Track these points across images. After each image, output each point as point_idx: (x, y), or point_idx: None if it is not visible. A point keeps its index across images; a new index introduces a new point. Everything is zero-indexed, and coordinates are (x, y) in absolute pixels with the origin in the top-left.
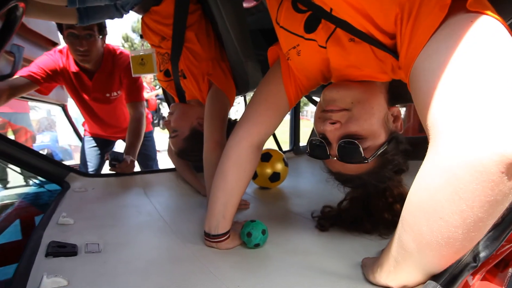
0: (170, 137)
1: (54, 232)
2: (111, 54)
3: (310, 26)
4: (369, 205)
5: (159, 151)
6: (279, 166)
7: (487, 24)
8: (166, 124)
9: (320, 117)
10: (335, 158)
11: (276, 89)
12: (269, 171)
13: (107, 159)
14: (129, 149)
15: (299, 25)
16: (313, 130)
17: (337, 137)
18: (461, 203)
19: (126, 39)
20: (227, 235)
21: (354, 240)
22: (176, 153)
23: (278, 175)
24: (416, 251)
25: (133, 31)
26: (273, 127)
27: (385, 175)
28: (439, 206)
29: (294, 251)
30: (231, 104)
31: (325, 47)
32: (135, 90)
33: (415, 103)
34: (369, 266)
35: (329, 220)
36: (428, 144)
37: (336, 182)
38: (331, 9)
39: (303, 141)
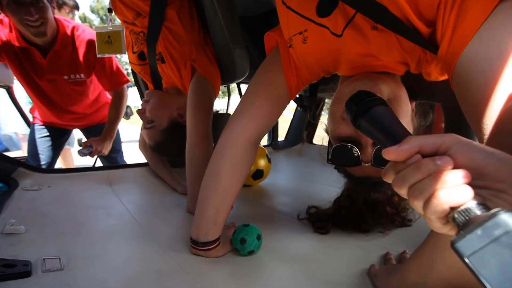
0: (144, 128)
1: None
2: (69, 29)
3: (324, 9)
4: (370, 199)
5: (122, 142)
6: (262, 163)
7: None
8: (140, 114)
9: (346, 118)
10: (369, 164)
11: (276, 79)
12: (252, 168)
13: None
14: (110, 126)
15: (311, 6)
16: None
17: (372, 141)
18: None
19: (84, 19)
20: (217, 242)
21: (353, 242)
22: (151, 146)
23: (261, 172)
24: None
25: (92, 11)
26: (272, 120)
27: None
28: None
29: (292, 258)
30: (216, 94)
31: (339, 35)
32: (115, 76)
33: (461, 98)
34: (382, 276)
35: (328, 221)
36: None
37: (356, 186)
38: None
39: (281, 136)
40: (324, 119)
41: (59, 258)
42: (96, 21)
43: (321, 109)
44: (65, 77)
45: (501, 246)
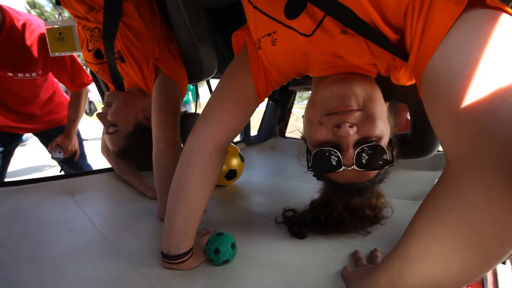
0: (107, 133)
1: None
2: (19, 23)
3: (292, 11)
4: (350, 205)
5: (86, 139)
6: (234, 162)
7: (510, 23)
8: (101, 117)
9: (325, 122)
10: (351, 167)
11: (243, 82)
12: (224, 168)
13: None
14: (71, 124)
15: (279, 7)
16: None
17: (352, 143)
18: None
19: (33, 5)
20: (190, 253)
21: (327, 243)
22: (115, 153)
23: (234, 172)
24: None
25: None
26: (240, 126)
27: (387, 173)
28: None
29: (267, 265)
30: (183, 95)
31: (309, 35)
32: (77, 77)
33: (429, 113)
34: (355, 280)
35: (305, 226)
36: None
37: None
38: None
39: (255, 127)
40: (296, 111)
41: None
42: (48, 7)
43: (293, 102)
44: (10, 74)
45: None
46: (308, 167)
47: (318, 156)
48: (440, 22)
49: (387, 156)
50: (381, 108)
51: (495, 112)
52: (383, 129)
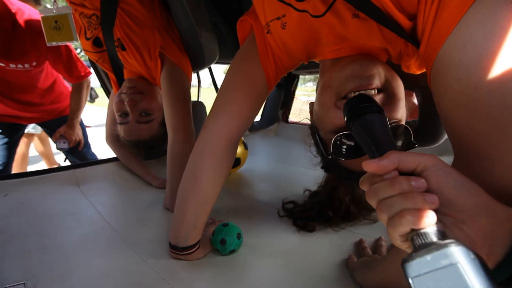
0: (137, 122)
1: None
2: (11, 11)
3: None
4: (356, 195)
5: (88, 126)
6: (239, 150)
7: None
8: (132, 105)
9: (343, 106)
10: None
11: (253, 72)
12: None
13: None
14: (73, 114)
15: None
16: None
17: None
18: None
19: None
20: (198, 245)
21: (331, 232)
22: (134, 143)
23: (238, 160)
24: None
25: None
26: (252, 117)
27: None
28: None
29: (272, 253)
30: (190, 81)
31: (319, 16)
32: (74, 69)
33: (438, 104)
34: (361, 270)
35: (312, 220)
36: None
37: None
38: None
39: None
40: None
41: (24, 284)
42: None
43: (296, 86)
44: (1, 64)
45: (442, 276)
46: (326, 155)
47: (339, 141)
48: (452, 9)
49: (411, 136)
50: (402, 89)
51: (509, 109)
52: (403, 112)
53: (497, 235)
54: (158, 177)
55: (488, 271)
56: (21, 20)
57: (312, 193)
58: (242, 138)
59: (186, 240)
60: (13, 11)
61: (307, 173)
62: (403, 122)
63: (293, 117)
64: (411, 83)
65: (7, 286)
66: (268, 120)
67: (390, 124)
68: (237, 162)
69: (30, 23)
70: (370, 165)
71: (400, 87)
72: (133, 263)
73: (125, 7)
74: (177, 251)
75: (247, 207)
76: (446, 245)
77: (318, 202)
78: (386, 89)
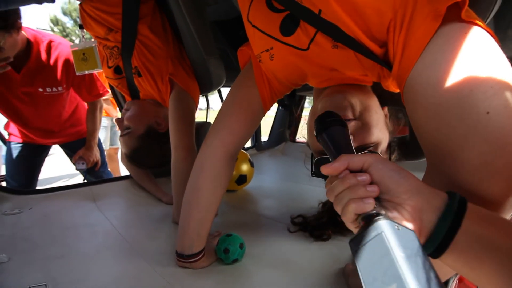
0: (121, 136)
1: None
2: (44, 45)
3: (287, 28)
4: None
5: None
6: (245, 168)
7: (481, 36)
8: (118, 122)
9: None
10: None
11: (250, 93)
12: (234, 173)
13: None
14: (91, 136)
15: (275, 25)
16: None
17: None
18: None
19: (56, 22)
20: (202, 253)
21: (330, 243)
22: (127, 155)
23: (244, 177)
24: None
25: (64, 13)
26: (248, 134)
27: None
28: None
29: (274, 264)
30: (196, 106)
31: (305, 49)
32: (94, 88)
33: (411, 118)
34: (355, 277)
35: (326, 227)
36: None
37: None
38: (319, 11)
39: (265, 132)
40: (306, 114)
41: (45, 285)
42: (69, 23)
43: (303, 106)
44: (40, 89)
45: (373, 245)
46: (312, 173)
47: (320, 163)
48: (419, 37)
49: (394, 151)
50: (377, 116)
51: (466, 120)
52: (379, 135)
53: (425, 211)
54: (168, 194)
55: (415, 241)
56: (53, 49)
57: (323, 202)
58: (249, 156)
59: (191, 248)
60: (46, 42)
61: (313, 190)
62: (383, 144)
63: (300, 136)
64: (399, 100)
65: (31, 286)
66: (275, 140)
67: (366, 149)
68: (244, 179)
69: (60, 51)
70: (326, 169)
71: (373, 116)
72: (143, 271)
73: (143, 40)
74: (183, 259)
75: (252, 221)
76: (375, 221)
77: (328, 209)
78: (360, 118)
